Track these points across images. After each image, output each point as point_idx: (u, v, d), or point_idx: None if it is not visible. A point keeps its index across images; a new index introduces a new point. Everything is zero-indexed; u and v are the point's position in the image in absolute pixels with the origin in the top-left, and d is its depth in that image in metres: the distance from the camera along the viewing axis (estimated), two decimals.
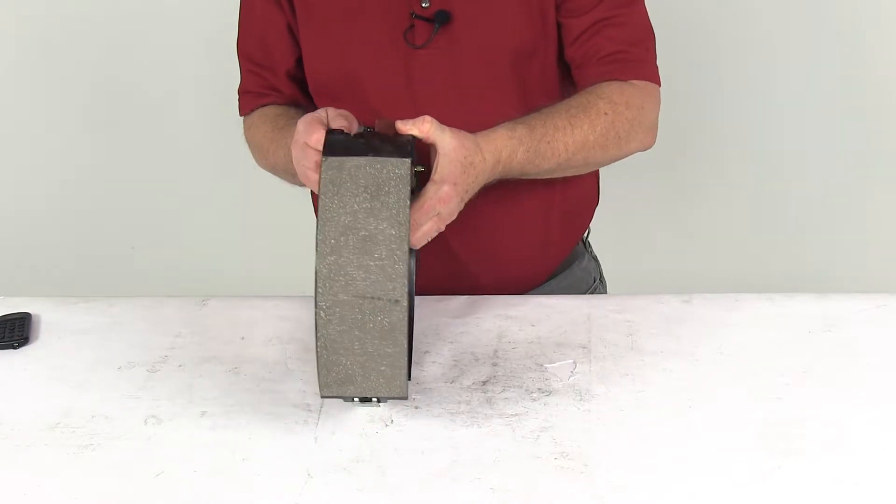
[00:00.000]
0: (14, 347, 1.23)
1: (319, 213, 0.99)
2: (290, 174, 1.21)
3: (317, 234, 0.99)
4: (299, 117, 1.16)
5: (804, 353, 1.17)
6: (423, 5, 1.24)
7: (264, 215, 2.32)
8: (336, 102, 1.25)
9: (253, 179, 2.37)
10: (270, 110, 1.36)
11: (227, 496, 0.97)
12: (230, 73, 1.41)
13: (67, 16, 2.18)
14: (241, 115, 1.41)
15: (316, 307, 0.99)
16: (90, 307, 1.32)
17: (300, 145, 1.08)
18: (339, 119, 1.10)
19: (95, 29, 2.19)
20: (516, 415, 1.07)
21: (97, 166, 2.32)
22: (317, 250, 0.99)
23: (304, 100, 1.37)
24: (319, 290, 0.99)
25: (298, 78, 1.36)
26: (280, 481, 0.98)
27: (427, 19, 1.24)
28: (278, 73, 1.35)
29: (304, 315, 1.26)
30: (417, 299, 1.17)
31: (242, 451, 1.03)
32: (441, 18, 1.24)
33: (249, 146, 1.39)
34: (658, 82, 1.32)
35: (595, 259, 1.51)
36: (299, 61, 1.34)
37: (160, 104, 2.24)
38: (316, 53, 1.30)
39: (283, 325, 1.27)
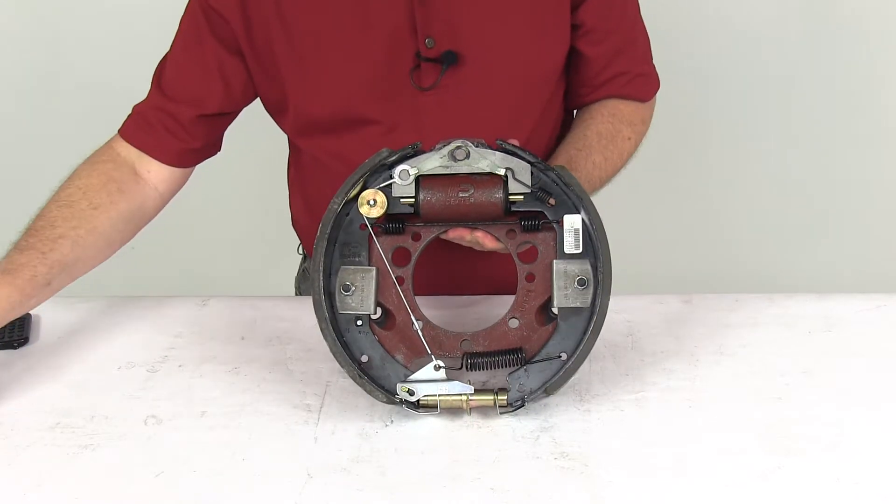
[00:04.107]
0: (14, 347, 1.23)
1: None
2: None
3: None
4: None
5: (804, 353, 1.17)
6: (428, 45, 1.20)
7: (265, 215, 2.32)
8: (336, 141, 1.25)
9: (253, 180, 2.37)
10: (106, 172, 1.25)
11: (227, 496, 0.97)
12: None
13: (69, 16, 2.18)
14: (119, 132, 1.30)
15: None
16: (90, 307, 1.32)
17: None
18: None
19: (96, 29, 2.19)
20: (516, 415, 1.07)
21: None
22: None
23: (197, 141, 1.28)
24: None
25: (206, 124, 1.28)
26: (280, 481, 0.98)
27: (434, 60, 1.21)
28: (202, 110, 1.27)
29: (304, 315, 1.26)
30: (425, 299, 1.18)
31: (242, 451, 1.03)
32: (448, 59, 1.21)
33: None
34: (658, 87, 1.37)
35: None
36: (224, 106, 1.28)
37: None
38: (311, 95, 1.24)
39: (283, 325, 1.27)
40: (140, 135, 1.29)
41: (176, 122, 1.27)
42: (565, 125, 1.36)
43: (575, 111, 1.38)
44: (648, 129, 1.38)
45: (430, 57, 1.21)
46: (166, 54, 1.30)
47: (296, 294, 1.55)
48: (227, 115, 1.32)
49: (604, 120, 1.30)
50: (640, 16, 1.33)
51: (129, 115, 1.31)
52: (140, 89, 1.32)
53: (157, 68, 1.30)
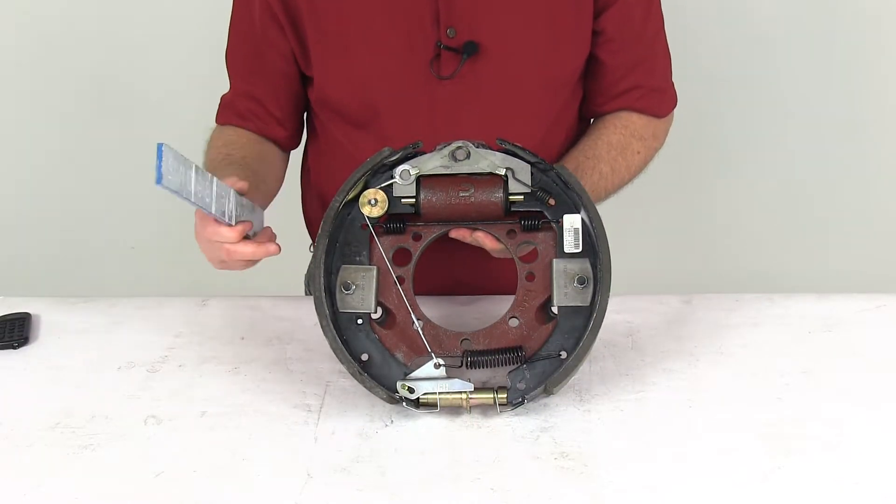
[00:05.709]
0: (14, 347, 1.23)
1: None
2: None
3: None
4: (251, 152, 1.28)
5: (804, 353, 1.17)
6: (449, 35, 1.21)
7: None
8: (349, 126, 1.27)
9: None
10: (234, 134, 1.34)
11: (227, 496, 0.97)
12: None
13: (69, 17, 2.18)
14: (217, 122, 1.37)
15: None
16: (90, 307, 1.32)
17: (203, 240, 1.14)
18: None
19: (95, 29, 2.19)
20: (516, 415, 1.07)
21: (97, 166, 2.32)
22: None
23: (288, 125, 1.35)
24: None
25: (290, 96, 1.33)
26: (280, 481, 0.98)
27: (454, 49, 1.22)
28: (271, 87, 1.32)
29: (304, 315, 1.26)
30: (425, 299, 1.19)
31: (242, 451, 1.03)
32: (469, 49, 1.21)
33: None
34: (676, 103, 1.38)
35: None
36: (289, 83, 1.32)
37: (160, 104, 2.24)
38: (331, 78, 1.26)
39: (283, 325, 1.27)
40: (235, 119, 1.34)
41: (257, 101, 1.32)
42: (580, 134, 1.36)
43: (591, 120, 1.38)
44: (662, 146, 1.38)
45: (450, 46, 1.22)
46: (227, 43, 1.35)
47: (305, 292, 1.55)
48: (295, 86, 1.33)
49: (616, 131, 1.31)
50: (664, 32, 1.34)
51: (220, 106, 1.37)
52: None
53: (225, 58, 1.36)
